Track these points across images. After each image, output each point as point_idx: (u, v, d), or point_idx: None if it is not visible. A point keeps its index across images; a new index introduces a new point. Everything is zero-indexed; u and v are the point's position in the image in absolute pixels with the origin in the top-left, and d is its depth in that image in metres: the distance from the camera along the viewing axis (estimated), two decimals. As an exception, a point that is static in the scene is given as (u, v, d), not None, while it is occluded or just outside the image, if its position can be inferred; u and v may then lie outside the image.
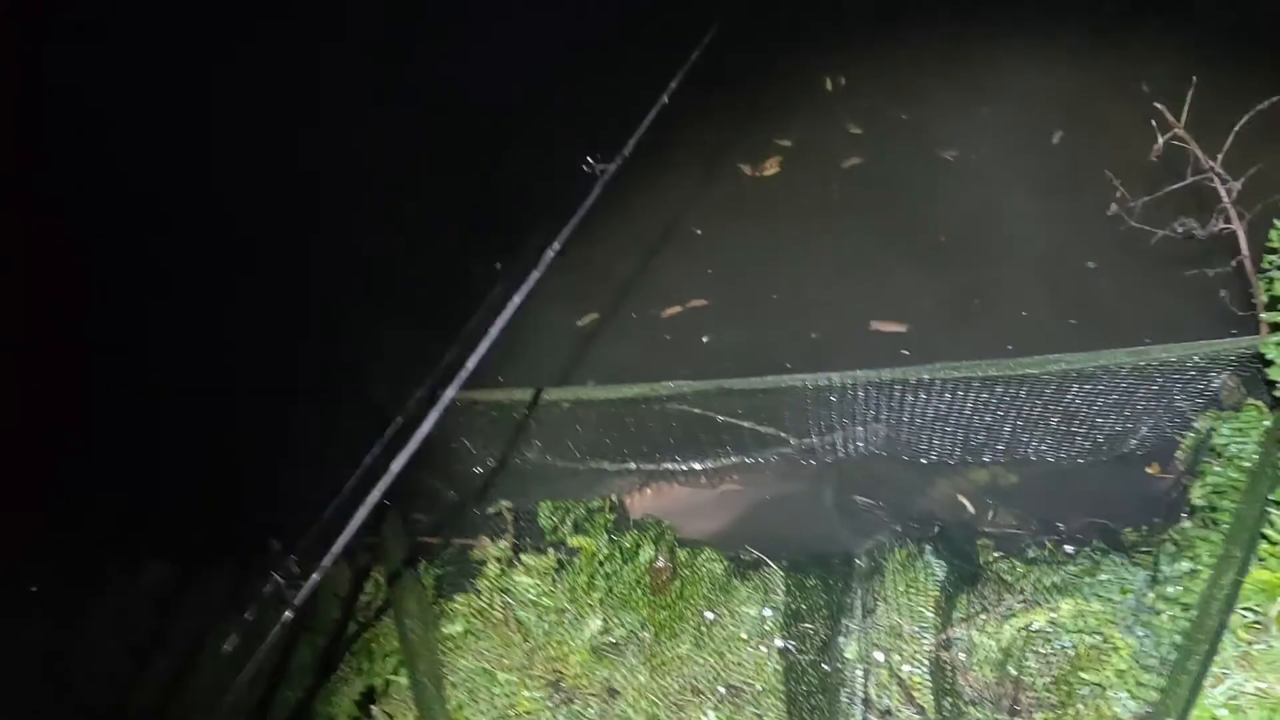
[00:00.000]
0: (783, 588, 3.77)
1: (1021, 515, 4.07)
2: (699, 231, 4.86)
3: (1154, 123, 3.93)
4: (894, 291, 4.63)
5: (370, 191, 5.22)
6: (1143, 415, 3.97)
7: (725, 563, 3.92)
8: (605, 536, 3.97)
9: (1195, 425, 3.87)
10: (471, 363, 2.66)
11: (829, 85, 5.20)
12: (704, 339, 4.69)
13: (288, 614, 2.43)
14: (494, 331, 2.68)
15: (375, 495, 2.59)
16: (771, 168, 4.94)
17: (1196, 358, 3.70)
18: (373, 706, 3.48)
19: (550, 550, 3.97)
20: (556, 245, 2.79)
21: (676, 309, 4.74)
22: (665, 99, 3.01)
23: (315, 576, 2.46)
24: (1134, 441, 4.06)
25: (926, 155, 4.93)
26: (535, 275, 2.75)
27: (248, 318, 5.01)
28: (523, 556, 3.93)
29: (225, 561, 3.98)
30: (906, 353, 4.48)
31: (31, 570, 4.03)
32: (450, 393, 2.67)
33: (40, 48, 5.50)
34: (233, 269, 5.08)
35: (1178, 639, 3.05)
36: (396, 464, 2.62)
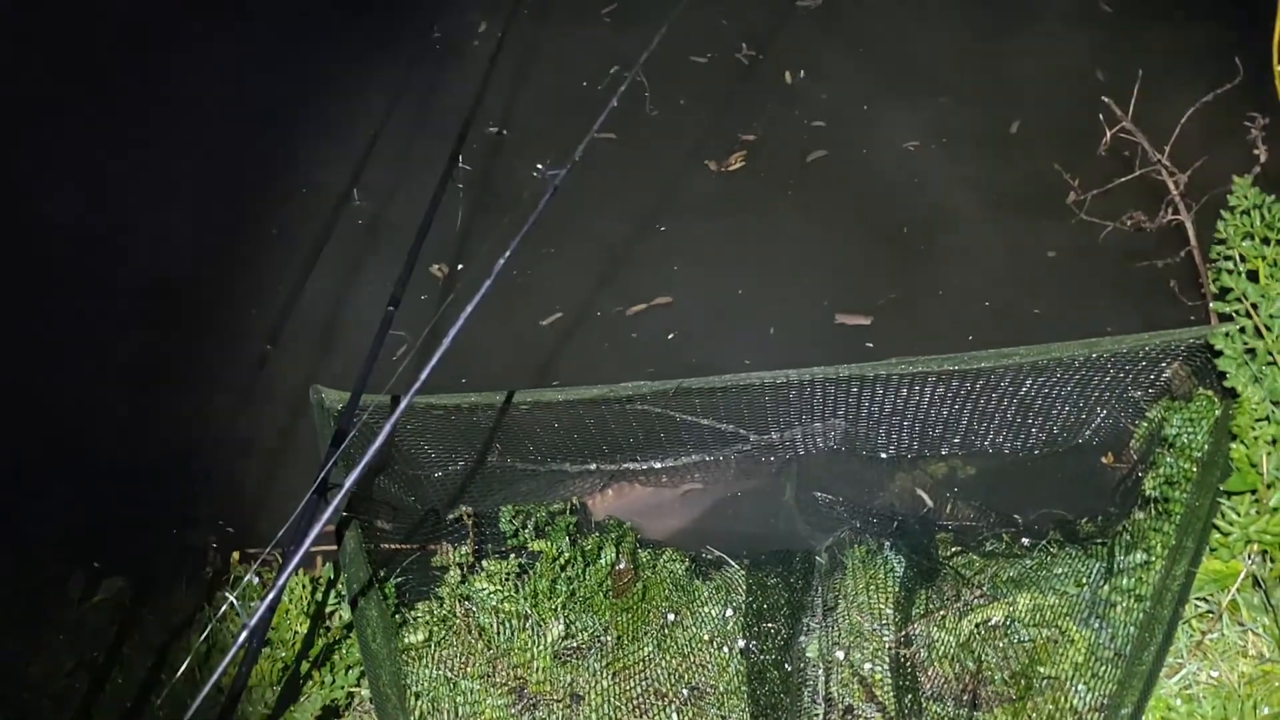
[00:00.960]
0: (744, 587, 3.78)
1: (980, 508, 4.10)
2: (663, 228, 4.85)
3: (1101, 116, 3.99)
4: (858, 284, 4.66)
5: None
6: (1096, 405, 4.02)
7: (687, 563, 3.92)
8: (567, 540, 3.95)
9: (1148, 415, 3.91)
10: (425, 372, 2.63)
11: (788, 78, 5.20)
12: (669, 336, 4.69)
13: (244, 635, 2.39)
14: (447, 342, 2.65)
15: (331, 509, 2.56)
16: (736, 162, 4.95)
17: (1148, 348, 3.74)
18: (336, 719, 3.46)
19: (511, 555, 3.95)
20: (506, 254, 2.76)
21: (641, 307, 4.74)
22: (614, 102, 2.99)
23: (271, 595, 2.43)
24: (1089, 432, 4.11)
25: (889, 146, 4.96)
26: (487, 285, 2.72)
27: (194, 319, 4.97)
28: (484, 562, 3.91)
29: (182, 575, 3.94)
30: (871, 345, 4.50)
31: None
32: (405, 400, 2.65)
33: None
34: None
35: (1133, 630, 3.08)
36: (352, 477, 2.59)
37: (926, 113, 5.04)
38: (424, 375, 2.65)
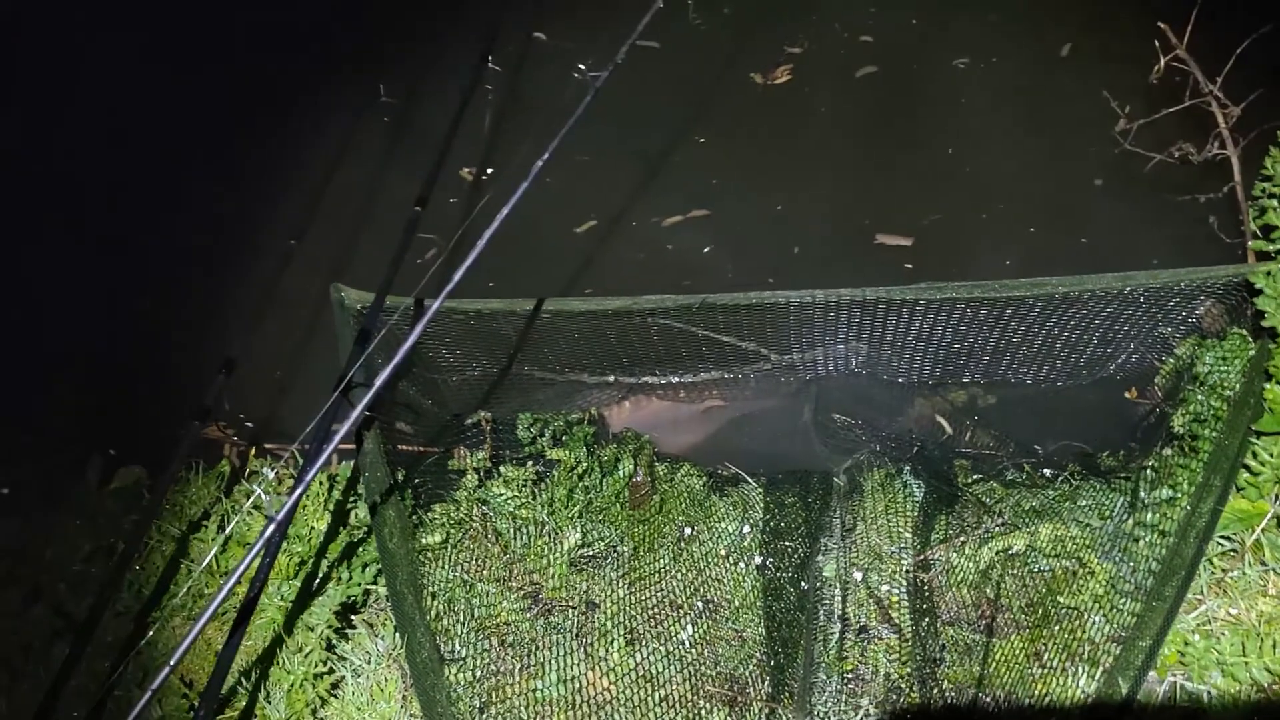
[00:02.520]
0: (761, 505, 3.77)
1: (999, 437, 4.08)
2: (702, 140, 4.73)
3: (1157, 42, 3.87)
4: (901, 204, 4.57)
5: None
6: (1125, 340, 3.98)
7: (704, 478, 3.91)
8: (584, 450, 3.94)
9: (1177, 352, 3.87)
10: (458, 275, 2.59)
11: None
12: (705, 249, 4.62)
13: (271, 528, 2.38)
14: (480, 244, 2.60)
15: (359, 409, 2.53)
16: (783, 75, 4.82)
17: (1183, 284, 3.69)
18: (353, 616, 3.47)
19: (529, 462, 3.94)
20: (546, 156, 2.69)
21: (678, 218, 4.65)
22: (660, 3, 2.89)
23: (297, 491, 2.41)
24: (1114, 366, 4.07)
25: (938, 63, 4.82)
26: (524, 186, 2.66)
27: (217, 209, 4.90)
28: (501, 468, 3.90)
29: (199, 467, 3.93)
30: (910, 266, 4.44)
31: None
32: (436, 305, 2.60)
33: None
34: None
35: (1155, 565, 3.08)
36: (380, 378, 2.56)
37: (976, 30, 4.88)
38: (456, 278, 2.61)
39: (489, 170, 4.71)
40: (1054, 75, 4.68)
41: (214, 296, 4.63)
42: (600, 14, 4.87)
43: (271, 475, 3.73)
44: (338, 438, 2.59)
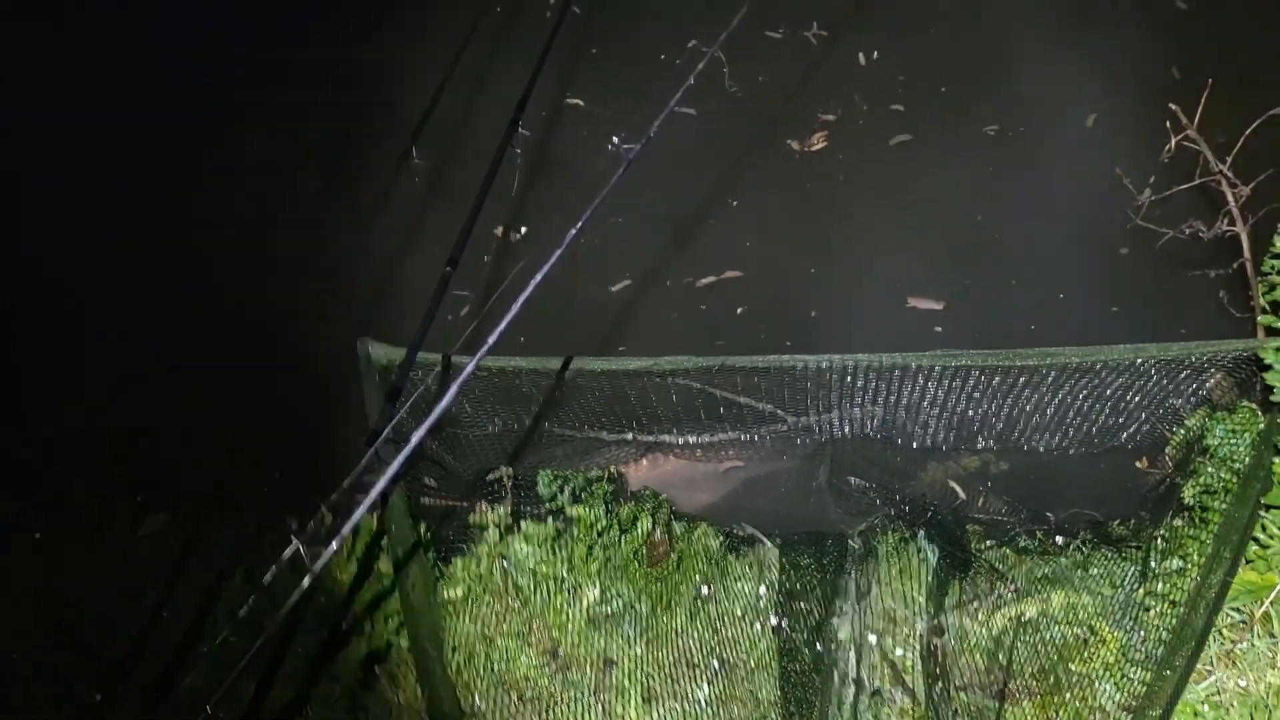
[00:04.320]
0: (777, 566, 3.84)
1: (1011, 503, 4.13)
2: (735, 203, 4.85)
3: (1168, 123, 3.99)
4: (933, 268, 4.65)
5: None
6: (1136, 410, 4.04)
7: (721, 538, 3.97)
8: (603, 507, 4.01)
9: (1187, 423, 3.94)
10: (492, 338, 2.68)
11: (862, 59, 5.17)
12: (738, 310, 4.71)
13: (306, 581, 2.45)
14: (514, 309, 2.70)
15: (396, 465, 2.61)
16: (819, 143, 4.94)
17: (1194, 357, 3.77)
18: (376, 667, 3.53)
19: (549, 519, 4.02)
20: (579, 224, 2.79)
21: (711, 279, 4.75)
22: (691, 80, 3.01)
23: (334, 545, 2.49)
24: (1125, 435, 4.14)
25: (968, 131, 4.94)
26: (557, 254, 2.76)
27: (250, 268, 5.00)
28: (522, 524, 3.97)
29: (232, 517, 4.00)
30: (940, 329, 4.52)
31: (35, 516, 4.04)
32: (471, 365, 2.69)
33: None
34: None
35: (1165, 635, 3.13)
36: (416, 436, 2.65)
37: (1004, 99, 5.00)
38: (490, 341, 2.69)
39: (522, 229, 4.82)
40: (1080, 145, 4.79)
41: (245, 350, 4.72)
42: (635, 81, 5.04)
43: (295, 526, 3.81)
44: (372, 495, 2.66)
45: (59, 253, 4.96)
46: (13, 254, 4.92)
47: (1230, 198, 3.93)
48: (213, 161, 5.22)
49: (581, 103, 5.06)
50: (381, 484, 2.59)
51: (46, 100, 5.45)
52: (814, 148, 4.94)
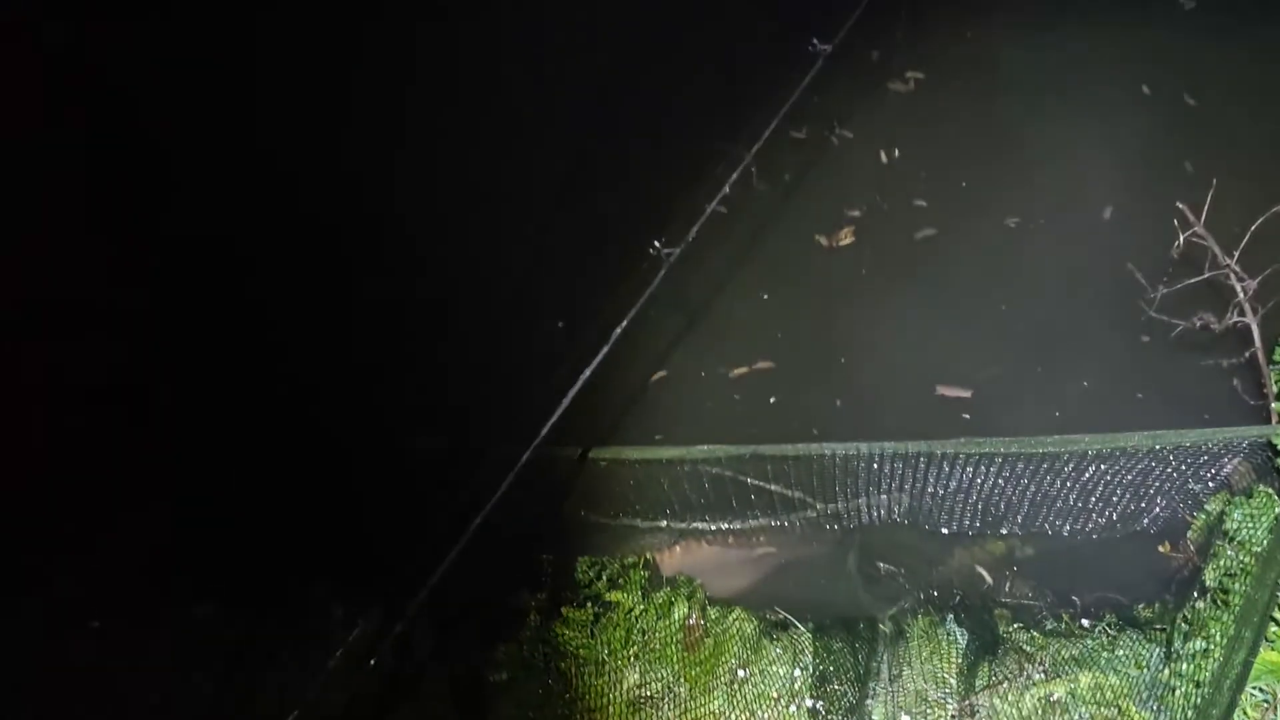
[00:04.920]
0: (810, 649, 3.94)
1: (1037, 587, 4.23)
2: (766, 296, 5.03)
3: (1175, 221, 4.19)
4: (960, 358, 4.81)
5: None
6: (1156, 496, 4.16)
7: (755, 622, 4.08)
8: (639, 592, 4.14)
9: (1207, 508, 4.06)
10: (545, 429, 2.86)
11: (884, 157, 5.37)
12: (771, 399, 4.87)
13: (371, 663, 2.60)
14: (565, 402, 2.88)
15: (453, 554, 2.77)
16: (846, 237, 5.11)
17: (1210, 443, 3.91)
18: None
19: (587, 603, 4.14)
20: (623, 325, 2.99)
21: (744, 370, 4.92)
22: (726, 189, 3.24)
23: (398, 627, 2.64)
24: (1147, 520, 4.25)
25: (990, 224, 5.13)
26: (604, 350, 2.95)
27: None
28: (561, 608, 4.09)
29: (286, 608, 4.12)
30: (968, 416, 4.66)
31: (94, 605, 4.17)
32: (526, 455, 2.86)
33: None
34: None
35: (1191, 714, 3.22)
36: (474, 521, 2.81)
37: (1023, 192, 5.20)
38: (543, 433, 2.88)
39: (560, 323, 4.98)
40: (1098, 236, 4.97)
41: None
42: (666, 183, 5.25)
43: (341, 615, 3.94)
44: (430, 582, 2.81)
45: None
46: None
47: (1239, 291, 4.10)
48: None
49: (615, 203, 5.25)
50: (441, 568, 2.76)
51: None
52: (842, 242, 5.12)
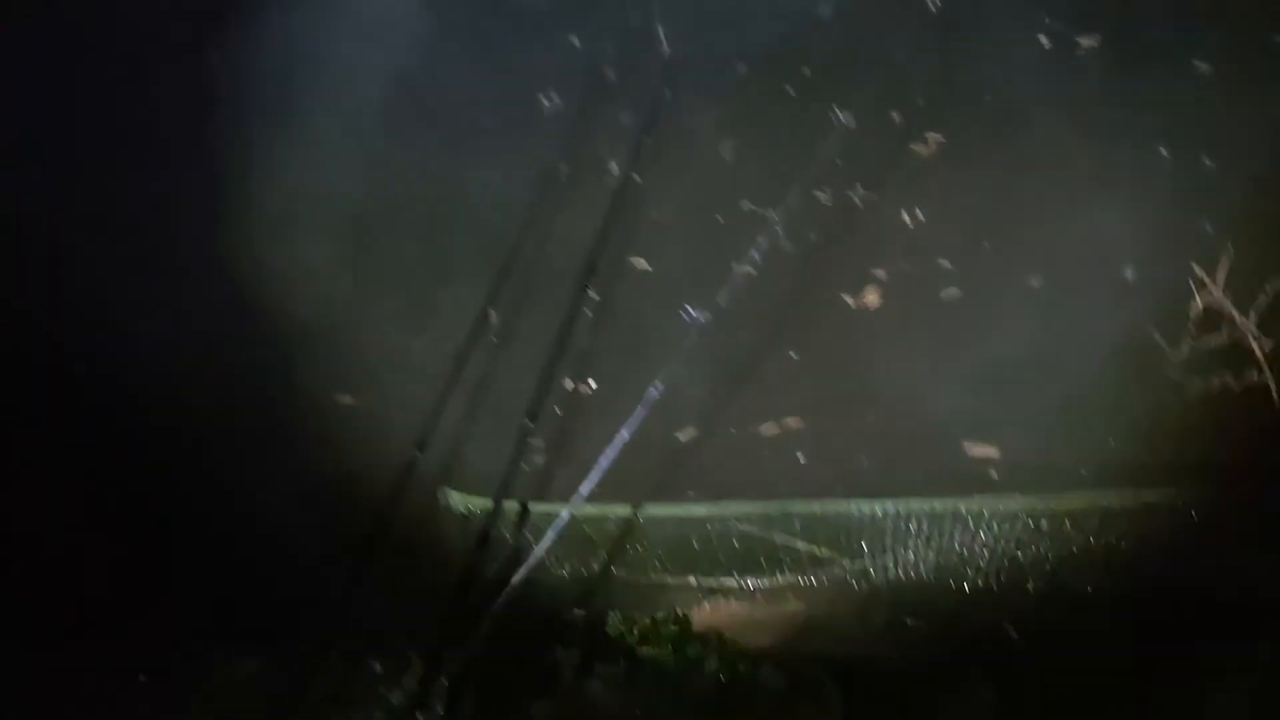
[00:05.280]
0: (839, 706, 3.99)
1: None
2: (794, 356, 5.11)
3: (1191, 283, 4.29)
4: (987, 416, 4.86)
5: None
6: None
7: (785, 678, 4.13)
8: (670, 648, 4.20)
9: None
10: (585, 488, 2.95)
11: (907, 218, 5.44)
12: (800, 458, 4.95)
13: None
14: (604, 463, 2.98)
15: (492, 611, 2.85)
16: (872, 297, 5.19)
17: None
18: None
19: (619, 659, 4.20)
20: (660, 385, 3.09)
21: (774, 428, 5.03)
22: (755, 254, 3.35)
23: (443, 680, 2.72)
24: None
25: (1014, 284, 5.18)
26: (641, 413, 3.05)
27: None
28: (594, 664, 4.16)
29: (328, 664, 4.19)
30: (995, 475, 4.71)
31: (139, 660, 4.25)
32: (566, 513, 2.96)
33: None
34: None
35: None
36: (516, 578, 2.89)
37: (1045, 251, 5.25)
38: (585, 491, 2.98)
39: (591, 383, 5.07)
40: (1121, 296, 5.02)
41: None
42: (695, 243, 5.39)
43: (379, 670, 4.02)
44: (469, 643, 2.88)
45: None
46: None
47: (1257, 349, 4.19)
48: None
49: (646, 265, 5.37)
50: (483, 633, 2.83)
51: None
52: (869, 302, 5.20)
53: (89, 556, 4.47)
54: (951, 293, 5.16)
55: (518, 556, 4.10)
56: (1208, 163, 5.27)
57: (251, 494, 4.89)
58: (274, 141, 5.87)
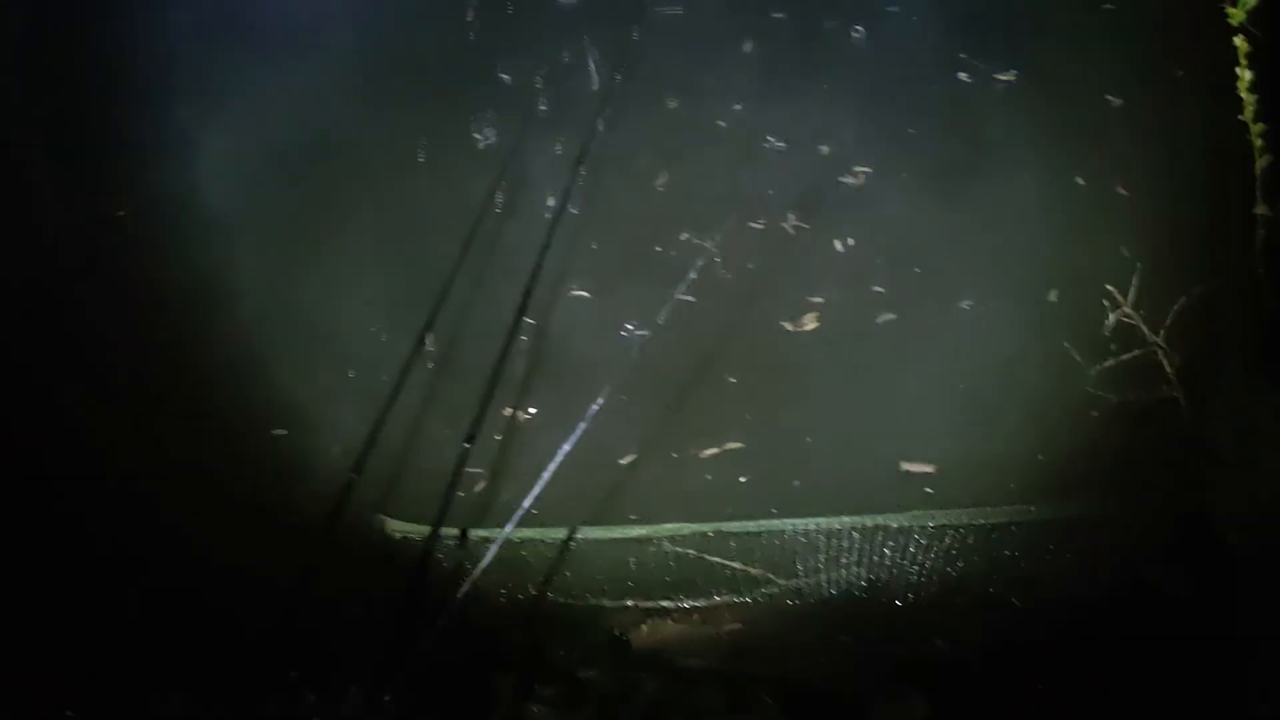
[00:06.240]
0: (779, 724, 4.05)
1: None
2: (733, 380, 5.18)
3: (1105, 301, 4.47)
4: (923, 435, 4.97)
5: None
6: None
7: (724, 696, 4.17)
8: (608, 669, 4.22)
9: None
10: (527, 502, 2.98)
11: (839, 246, 5.55)
12: (741, 479, 4.98)
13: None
14: (546, 476, 3.01)
15: (430, 640, 2.86)
16: (810, 323, 5.28)
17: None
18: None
19: (559, 682, 4.21)
20: (599, 403, 3.14)
21: (714, 450, 5.06)
22: (693, 274, 3.42)
23: (381, 707, 2.72)
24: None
25: (946, 307, 5.32)
26: (582, 427, 3.10)
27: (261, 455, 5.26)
28: (534, 688, 4.16)
29: (254, 694, 4.14)
30: (930, 490, 4.80)
31: (65, 700, 4.16)
32: (509, 528, 2.98)
33: None
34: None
35: None
36: (453, 603, 2.91)
37: (974, 277, 5.38)
38: (519, 513, 3.00)
39: (531, 410, 5.09)
40: (1045, 317, 5.18)
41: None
42: (632, 273, 5.46)
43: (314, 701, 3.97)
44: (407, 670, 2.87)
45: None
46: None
47: (1167, 365, 4.39)
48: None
49: (585, 293, 5.42)
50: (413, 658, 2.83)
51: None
52: (806, 327, 5.30)
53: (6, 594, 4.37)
54: (887, 316, 5.28)
55: (455, 582, 4.11)
56: (1121, 191, 5.48)
57: (180, 527, 4.84)
58: (198, 174, 5.86)
